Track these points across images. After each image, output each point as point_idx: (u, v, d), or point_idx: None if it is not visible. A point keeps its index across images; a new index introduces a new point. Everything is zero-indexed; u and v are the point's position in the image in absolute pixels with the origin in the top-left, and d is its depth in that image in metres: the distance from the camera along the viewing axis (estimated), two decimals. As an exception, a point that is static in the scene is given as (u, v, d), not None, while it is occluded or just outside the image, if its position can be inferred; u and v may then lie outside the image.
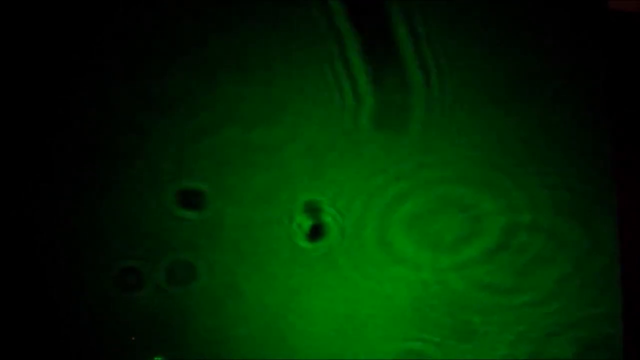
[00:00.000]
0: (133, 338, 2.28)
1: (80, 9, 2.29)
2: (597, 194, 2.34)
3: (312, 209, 2.30)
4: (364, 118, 2.34)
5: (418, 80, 2.35)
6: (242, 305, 2.32)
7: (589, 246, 2.34)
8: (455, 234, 2.35)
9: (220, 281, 2.32)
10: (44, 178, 2.29)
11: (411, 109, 2.35)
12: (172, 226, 2.30)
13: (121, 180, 2.30)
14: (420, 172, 2.35)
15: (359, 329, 2.32)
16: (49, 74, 2.30)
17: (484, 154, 2.35)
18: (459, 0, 2.37)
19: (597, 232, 2.34)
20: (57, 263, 2.29)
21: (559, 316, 2.33)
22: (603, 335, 2.32)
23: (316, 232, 2.31)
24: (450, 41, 2.36)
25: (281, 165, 2.34)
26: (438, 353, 2.32)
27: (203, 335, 2.30)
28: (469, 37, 2.36)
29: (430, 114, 2.35)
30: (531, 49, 2.36)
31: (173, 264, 2.30)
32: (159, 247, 2.30)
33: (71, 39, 2.30)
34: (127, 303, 2.29)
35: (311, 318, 2.32)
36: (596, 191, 2.34)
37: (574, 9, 2.37)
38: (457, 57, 2.35)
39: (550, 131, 2.36)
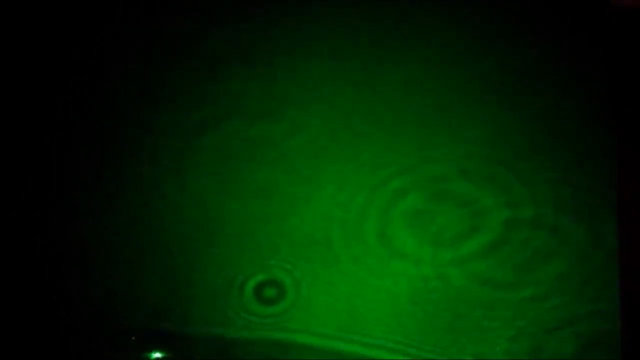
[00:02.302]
0: (133, 338, 2.29)
1: (82, 3, 2.29)
2: (599, 190, 2.34)
3: None
4: (365, 113, 2.35)
5: (419, 74, 2.35)
6: (243, 299, 2.32)
7: (590, 242, 2.33)
8: (456, 228, 2.34)
9: (222, 275, 2.32)
10: (46, 175, 2.30)
11: (412, 104, 2.36)
12: (174, 227, 2.32)
13: (123, 174, 2.31)
14: (422, 167, 2.35)
15: (359, 324, 2.33)
16: (49, 71, 2.30)
17: (485, 149, 2.34)
18: (462, -5, 2.37)
19: (598, 228, 2.33)
20: (60, 262, 2.30)
21: (560, 312, 2.32)
22: (603, 331, 2.32)
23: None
24: (453, 36, 2.36)
25: (283, 159, 2.34)
26: (438, 348, 2.32)
27: (204, 328, 2.31)
28: (471, 32, 2.36)
29: (432, 109, 2.35)
30: (534, 45, 2.35)
31: (173, 263, 2.31)
32: (160, 238, 2.32)
33: (72, 35, 2.30)
34: (127, 299, 2.30)
35: (311, 313, 2.33)
36: (598, 187, 2.34)
37: (577, 4, 2.37)
38: (459, 52, 2.35)
39: (552, 126, 2.35)
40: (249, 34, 2.32)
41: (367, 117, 2.35)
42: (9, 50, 2.29)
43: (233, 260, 2.32)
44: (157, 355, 2.30)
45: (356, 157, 2.34)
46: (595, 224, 2.33)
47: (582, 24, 2.36)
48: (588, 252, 2.33)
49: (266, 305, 2.27)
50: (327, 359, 2.28)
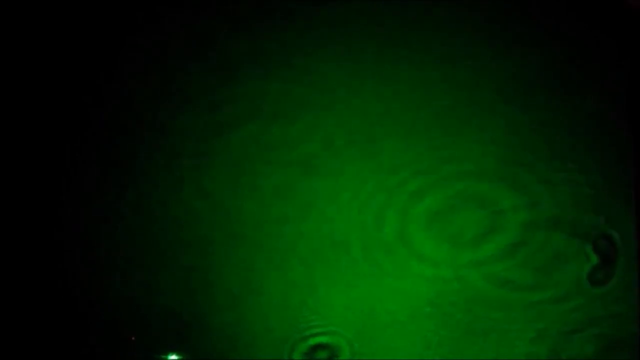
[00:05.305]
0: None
1: (99, 5, 2.28)
2: (617, 191, 2.32)
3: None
4: (383, 114, 2.33)
5: (436, 75, 2.33)
6: (261, 301, 2.32)
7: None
8: (475, 230, 2.33)
9: (239, 277, 2.32)
10: (62, 178, 2.29)
11: (430, 104, 2.34)
12: (191, 229, 2.31)
13: (141, 177, 2.30)
14: (440, 168, 2.34)
15: (377, 326, 2.32)
16: (68, 72, 2.30)
17: (504, 150, 2.32)
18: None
19: (618, 230, 2.32)
20: (74, 261, 2.30)
21: (579, 314, 2.31)
22: (623, 333, 2.31)
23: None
24: (470, 36, 2.34)
25: (301, 161, 2.33)
26: (457, 349, 2.31)
27: (221, 330, 2.31)
28: (488, 32, 2.34)
29: (450, 109, 2.34)
30: (553, 45, 2.33)
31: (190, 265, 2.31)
32: (178, 240, 2.31)
33: (90, 37, 2.29)
34: (145, 301, 2.30)
35: (331, 314, 2.32)
36: (617, 188, 2.32)
37: (593, 4, 2.35)
38: (476, 52, 2.33)
39: (571, 127, 2.33)
40: (266, 36, 2.30)
41: (384, 118, 2.33)
42: (29, 51, 2.29)
43: (251, 262, 2.32)
44: (174, 357, 2.29)
45: (374, 158, 2.32)
46: (614, 225, 2.32)
47: (598, 23, 2.34)
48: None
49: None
50: None
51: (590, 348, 2.29)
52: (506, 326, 2.30)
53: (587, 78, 2.32)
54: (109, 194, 2.28)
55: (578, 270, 2.31)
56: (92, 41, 2.29)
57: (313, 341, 2.29)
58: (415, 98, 2.32)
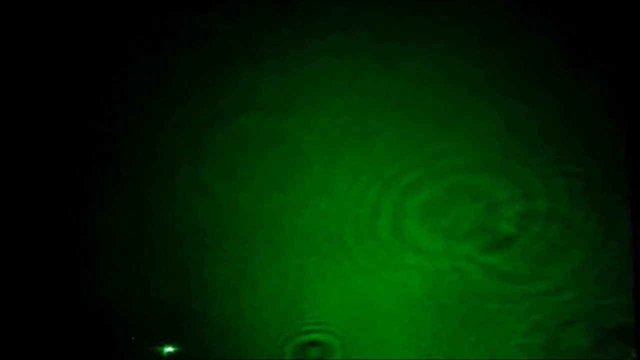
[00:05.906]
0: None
1: (94, 3, 2.27)
2: (613, 184, 2.32)
3: None
4: (379, 106, 2.32)
5: (432, 69, 2.32)
6: (256, 294, 2.32)
7: (605, 236, 2.32)
8: (470, 222, 2.33)
9: (234, 270, 2.31)
10: (60, 172, 2.28)
11: (425, 98, 2.33)
12: (187, 221, 2.31)
13: (137, 170, 2.30)
14: (436, 161, 2.33)
15: (372, 317, 2.32)
16: (65, 69, 2.29)
17: (500, 142, 2.31)
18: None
19: (612, 222, 2.31)
20: (73, 257, 2.29)
21: (574, 305, 2.31)
22: (617, 324, 2.31)
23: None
24: (466, 30, 2.32)
25: (296, 154, 2.32)
26: (452, 341, 2.31)
27: (217, 323, 2.31)
28: (485, 26, 2.33)
29: (445, 103, 2.33)
30: (549, 39, 2.32)
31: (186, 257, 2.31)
32: (174, 232, 2.31)
33: (87, 34, 2.28)
34: (141, 294, 2.30)
35: (326, 306, 2.32)
36: (612, 181, 2.31)
37: (593, 4, 2.33)
38: (472, 46, 2.32)
39: (567, 120, 2.32)
40: (260, 29, 2.29)
41: (380, 111, 2.31)
42: (24, 54, 2.28)
43: (245, 254, 2.31)
44: (169, 349, 2.29)
45: (369, 151, 2.31)
46: (609, 217, 2.31)
47: (598, 23, 2.33)
48: (602, 246, 2.31)
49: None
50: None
51: (586, 340, 2.30)
52: (501, 318, 2.30)
53: (586, 77, 2.31)
54: (107, 190, 2.28)
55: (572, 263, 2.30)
56: (87, 40, 2.28)
57: (306, 338, 2.29)
58: (410, 91, 2.31)
